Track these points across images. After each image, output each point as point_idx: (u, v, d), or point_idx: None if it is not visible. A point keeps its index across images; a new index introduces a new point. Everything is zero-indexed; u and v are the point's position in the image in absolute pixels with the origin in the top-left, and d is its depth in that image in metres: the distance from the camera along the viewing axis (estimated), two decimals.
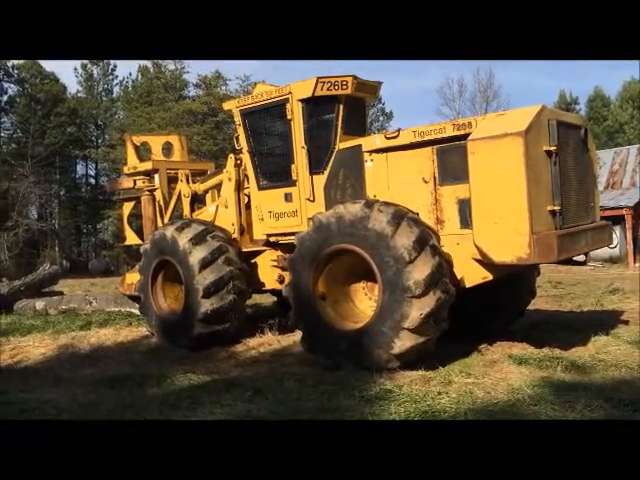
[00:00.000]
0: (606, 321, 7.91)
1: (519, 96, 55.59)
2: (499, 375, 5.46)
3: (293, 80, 7.22)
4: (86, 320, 10.08)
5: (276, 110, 7.27)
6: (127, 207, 10.67)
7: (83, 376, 6.46)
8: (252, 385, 5.50)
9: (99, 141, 46.19)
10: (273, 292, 8.77)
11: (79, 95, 45.78)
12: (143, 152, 10.79)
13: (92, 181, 48.48)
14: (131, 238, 10.57)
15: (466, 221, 5.84)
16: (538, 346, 6.52)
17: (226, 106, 8.11)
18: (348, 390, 5.12)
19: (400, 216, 5.70)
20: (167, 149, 10.57)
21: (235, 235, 8.11)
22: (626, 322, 7.91)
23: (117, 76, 46.69)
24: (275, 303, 9.89)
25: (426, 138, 6.10)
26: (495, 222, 5.41)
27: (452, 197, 6.01)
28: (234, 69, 54.06)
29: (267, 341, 7.71)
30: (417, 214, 6.09)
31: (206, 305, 7.34)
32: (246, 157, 7.79)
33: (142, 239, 9.96)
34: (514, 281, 6.82)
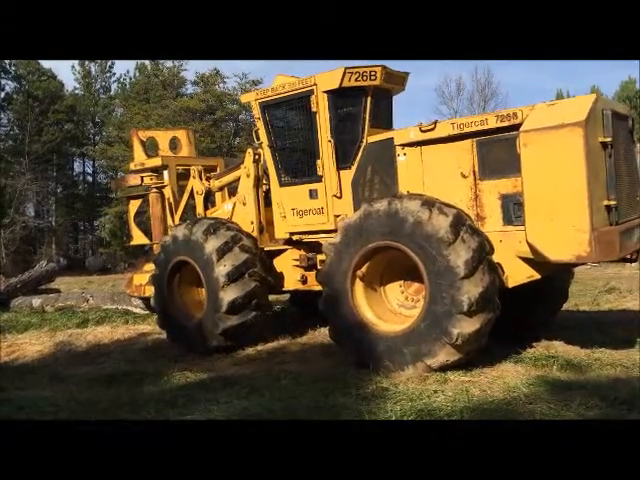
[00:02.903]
0: (602, 320, 7.94)
1: (517, 95, 55.51)
2: (495, 373, 5.47)
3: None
4: (83, 318, 10.08)
5: (299, 102, 6.98)
6: (133, 205, 10.23)
7: (80, 374, 6.47)
8: (248, 383, 5.52)
9: (96, 138, 46.02)
10: (292, 293, 8.42)
11: (76, 92, 45.64)
12: (149, 148, 10.34)
13: (89, 178, 48.39)
14: (138, 238, 10.16)
15: (510, 217, 5.62)
16: (534, 345, 6.54)
17: (244, 98, 7.82)
18: (344, 388, 5.13)
19: (461, 223, 5.46)
20: (174, 144, 10.14)
21: (254, 233, 7.82)
22: (622, 321, 7.93)
23: (115, 73, 46.47)
24: (289, 301, 9.59)
25: (466, 130, 5.82)
26: (551, 218, 5.13)
27: (494, 192, 5.73)
28: (232, 67, 54.11)
29: (264, 339, 7.69)
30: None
31: (229, 321, 7.07)
32: (266, 152, 7.48)
33: (150, 238, 9.66)
34: (547, 282, 6.27)
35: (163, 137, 10.17)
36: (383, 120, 7.09)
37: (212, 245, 7.17)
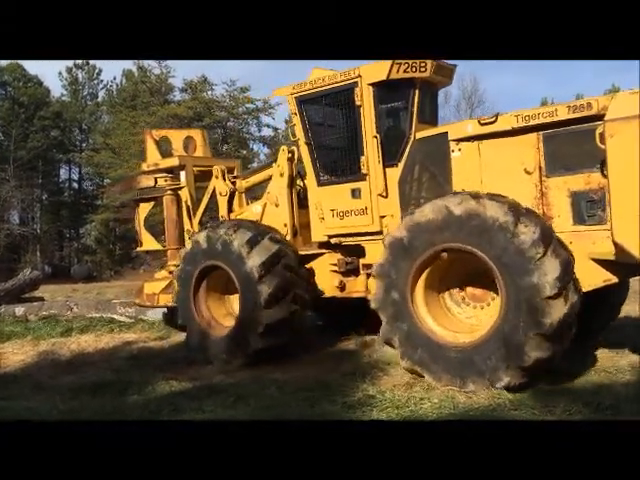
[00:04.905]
0: None
1: (503, 103, 56.12)
2: None
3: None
4: (67, 326, 9.96)
5: (341, 96, 6.60)
6: (144, 208, 9.44)
7: (63, 383, 6.37)
8: (234, 391, 5.47)
9: (83, 145, 45.84)
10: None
11: (63, 99, 45.44)
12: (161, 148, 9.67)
13: (75, 185, 48.12)
14: (148, 243, 9.47)
15: (582, 216, 5.26)
16: None
17: (278, 93, 7.38)
18: (331, 396, 5.11)
19: (549, 238, 4.97)
20: (187, 144, 9.56)
21: (288, 237, 7.35)
22: (607, 327, 7.99)
23: (102, 80, 46.42)
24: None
25: (532, 123, 5.43)
26: None
27: (563, 189, 5.34)
28: (220, 74, 53.93)
29: None
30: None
31: (262, 343, 6.67)
32: (303, 149, 7.01)
33: (162, 243, 9.24)
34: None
35: (177, 137, 9.54)
36: (429, 115, 6.76)
37: (265, 289, 6.61)
